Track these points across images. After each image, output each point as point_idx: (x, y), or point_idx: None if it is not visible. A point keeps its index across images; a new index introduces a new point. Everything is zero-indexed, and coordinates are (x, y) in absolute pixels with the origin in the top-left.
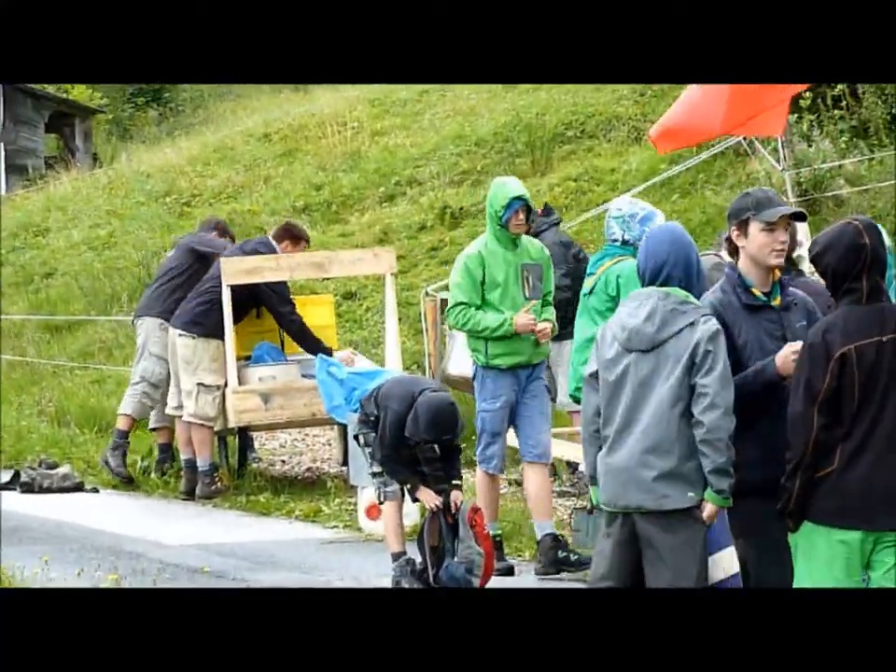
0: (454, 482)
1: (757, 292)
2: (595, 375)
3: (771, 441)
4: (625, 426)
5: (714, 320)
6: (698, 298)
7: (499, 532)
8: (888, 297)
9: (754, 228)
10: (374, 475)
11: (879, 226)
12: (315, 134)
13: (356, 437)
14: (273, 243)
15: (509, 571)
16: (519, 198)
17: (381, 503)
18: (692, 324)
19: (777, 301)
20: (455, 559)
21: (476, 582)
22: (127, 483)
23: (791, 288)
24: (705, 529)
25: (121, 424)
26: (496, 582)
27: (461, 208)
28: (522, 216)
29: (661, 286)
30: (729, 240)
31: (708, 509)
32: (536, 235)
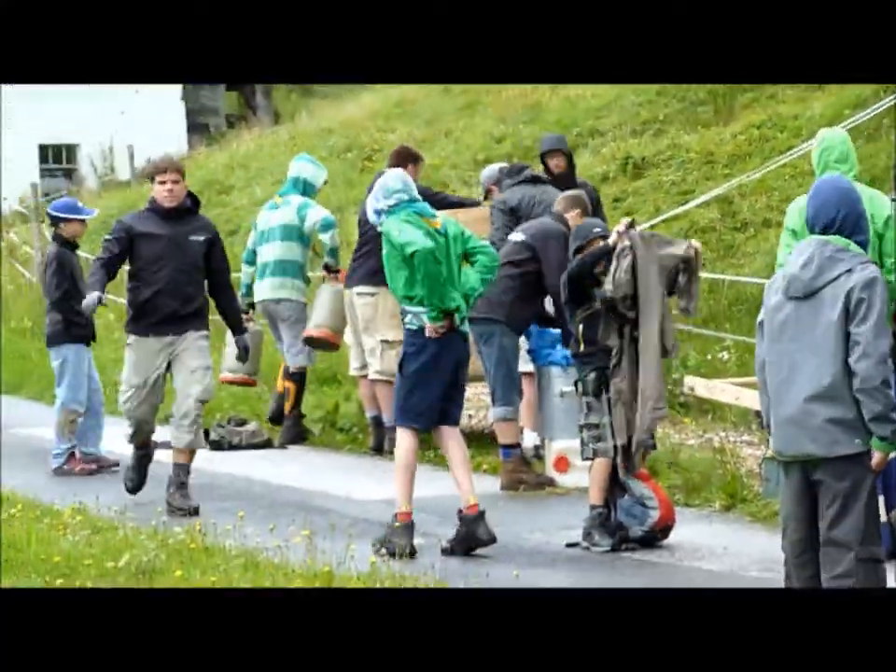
0: None
1: None
2: (763, 324)
3: None
4: (789, 374)
5: (873, 267)
6: (863, 247)
7: None
8: None
9: None
10: (588, 427)
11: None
12: (496, 87)
13: (575, 383)
14: None
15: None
16: None
17: (589, 458)
18: (848, 271)
19: None
20: (626, 496)
21: (655, 515)
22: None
23: None
24: (873, 476)
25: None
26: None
27: (643, 158)
28: None
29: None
30: None
31: (876, 456)
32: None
